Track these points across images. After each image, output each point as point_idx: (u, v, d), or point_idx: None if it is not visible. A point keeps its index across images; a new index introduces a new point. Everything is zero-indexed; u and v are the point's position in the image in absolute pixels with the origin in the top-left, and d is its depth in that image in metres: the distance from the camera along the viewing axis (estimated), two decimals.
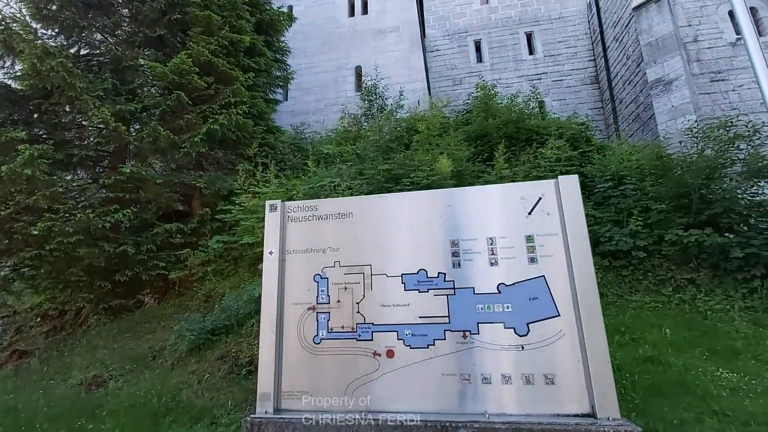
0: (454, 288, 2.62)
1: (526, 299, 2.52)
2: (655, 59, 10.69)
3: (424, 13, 15.47)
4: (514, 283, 2.55)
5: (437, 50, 16.55)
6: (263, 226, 3.15)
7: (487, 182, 6.12)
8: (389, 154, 5.59)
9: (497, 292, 2.56)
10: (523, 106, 8.36)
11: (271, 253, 2.92)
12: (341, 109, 9.84)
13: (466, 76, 15.89)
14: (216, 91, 6.11)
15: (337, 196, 4.43)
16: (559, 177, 2.64)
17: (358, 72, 11.89)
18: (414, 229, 2.80)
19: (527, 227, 2.63)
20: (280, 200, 3.06)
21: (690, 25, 10.68)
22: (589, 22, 15.80)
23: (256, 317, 4.04)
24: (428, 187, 4.78)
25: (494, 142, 7.47)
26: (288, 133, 7.58)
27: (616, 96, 13.31)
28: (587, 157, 6.72)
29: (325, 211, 2.99)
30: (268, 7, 8.10)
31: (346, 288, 2.77)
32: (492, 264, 2.60)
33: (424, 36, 13.13)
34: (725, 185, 5.22)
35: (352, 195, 4.47)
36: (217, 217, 5.18)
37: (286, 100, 10.72)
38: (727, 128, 5.39)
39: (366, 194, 4.64)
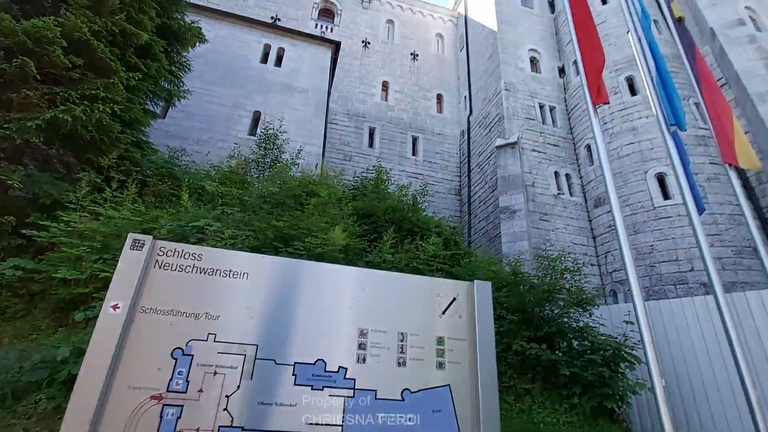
0: (354, 388, 2.21)
1: (429, 411, 2.28)
2: (505, 191, 13.14)
3: (332, 87, 16.28)
4: (419, 390, 2.30)
5: (335, 124, 17.31)
6: (101, 262, 2.28)
7: (370, 263, 6.07)
8: (282, 210, 5.12)
9: (401, 399, 2.26)
10: (409, 199, 8.99)
11: (115, 307, 2.07)
12: (229, 147, 9.01)
13: (357, 155, 16.81)
14: (83, 76, 4.82)
15: (215, 245, 3.68)
16: (475, 281, 2.65)
17: (257, 117, 11.36)
18: (321, 308, 2.37)
19: (439, 328, 2.49)
20: (150, 236, 2.29)
21: (531, 173, 13.68)
22: (461, 145, 18.94)
23: (47, 391, 2.73)
24: (320, 256, 4.42)
25: (381, 224, 7.66)
26: (161, 154, 6.38)
27: (473, 211, 15.66)
28: (456, 259, 7.37)
29: (212, 263, 2.34)
30: (178, 17, 7.28)
31: (216, 373, 2.08)
32: (400, 364, 2.33)
33: (328, 107, 13.65)
34: (556, 309, 6.25)
35: (235, 246, 3.77)
36: (24, 231, 3.64)
37: (164, 118, 9.33)
38: (561, 261, 6.65)
39: (251, 249, 3.99)
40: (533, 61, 17.20)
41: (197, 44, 8.52)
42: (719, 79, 12.77)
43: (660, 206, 11.21)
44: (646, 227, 11.19)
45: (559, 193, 13.47)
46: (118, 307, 2.07)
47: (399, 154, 17.84)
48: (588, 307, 6.27)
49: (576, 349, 5.71)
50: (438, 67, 21.58)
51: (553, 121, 15.38)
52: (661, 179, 11.59)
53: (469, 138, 17.93)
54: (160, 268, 2.26)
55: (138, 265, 2.19)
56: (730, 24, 13.23)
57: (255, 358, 2.14)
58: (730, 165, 6.41)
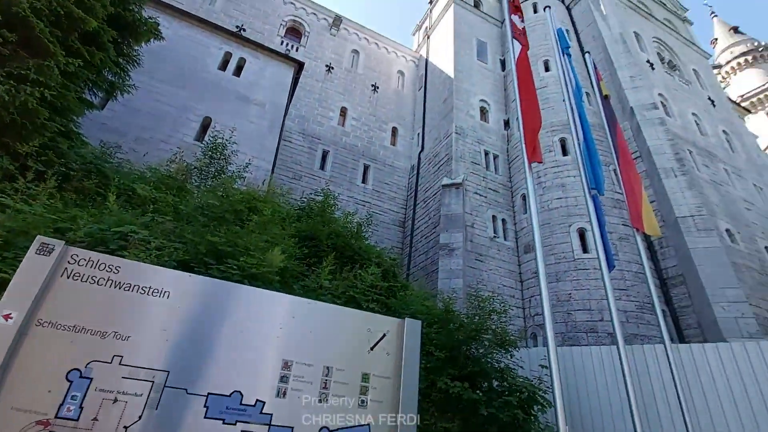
0: (270, 424, 2.12)
1: None
2: (446, 228, 13.69)
3: (290, 105, 16.18)
4: (338, 429, 2.26)
5: (289, 141, 17.13)
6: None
7: (306, 287, 5.95)
8: (220, 224, 4.89)
9: None
10: (354, 226, 9.04)
11: (7, 317, 1.84)
12: (172, 150, 8.51)
13: (307, 176, 16.68)
14: (13, 53, 4.34)
15: (137, 256, 3.40)
16: (407, 319, 2.71)
17: (206, 123, 10.92)
18: (246, 336, 2.28)
19: (366, 364, 2.49)
20: (62, 242, 2.10)
21: (471, 214, 14.43)
22: (409, 179, 19.56)
23: None
24: (254, 277, 4.25)
25: (322, 248, 7.59)
26: (91, 147, 5.84)
27: (414, 244, 16.05)
28: (393, 291, 7.45)
29: (130, 277, 2.18)
30: (135, 9, 6.93)
31: (116, 400, 1.90)
32: (321, 400, 2.28)
33: (283, 124, 13.53)
34: (481, 348, 6.51)
35: (160, 259, 3.51)
36: None
37: (102, 109, 8.65)
38: (490, 302, 6.99)
39: (179, 263, 3.74)
40: (483, 111, 18.54)
41: (152, 40, 8.15)
42: (634, 152, 14.64)
43: (579, 258, 12.33)
44: (567, 276, 12.20)
45: (494, 236, 14.30)
46: (11, 317, 1.85)
47: (349, 180, 17.99)
48: (510, 349, 6.60)
49: (496, 389, 5.94)
50: (396, 102, 22.43)
51: (496, 169, 16.52)
52: (582, 234, 12.80)
53: (418, 173, 18.61)
54: (68, 277, 2.06)
55: (42, 272, 1.98)
56: (646, 106, 15.37)
57: (164, 386, 1.99)
58: (637, 229, 7.28)
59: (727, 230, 12.30)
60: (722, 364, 6.42)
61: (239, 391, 2.12)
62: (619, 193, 13.79)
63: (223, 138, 8.61)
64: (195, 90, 11.32)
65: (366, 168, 19.00)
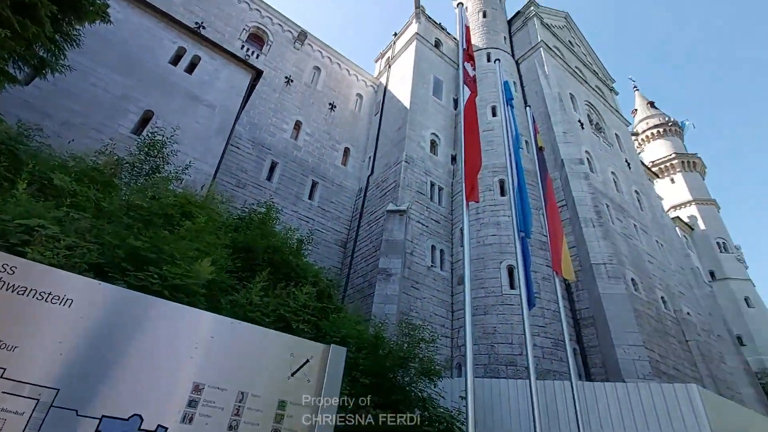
0: None
1: None
2: (387, 253, 13.88)
3: (242, 110, 15.74)
4: None
5: (237, 148, 16.57)
6: None
7: (234, 302, 5.68)
8: (148, 226, 4.55)
9: None
10: (294, 242, 8.86)
11: None
12: (103, 141, 7.85)
13: (252, 185, 16.15)
14: None
15: (42, 254, 3.06)
16: (332, 345, 2.71)
17: (147, 117, 10.25)
18: (156, 354, 2.14)
19: (285, 390, 2.44)
20: None
21: (412, 242, 14.79)
22: (356, 200, 19.70)
23: None
24: (176, 288, 3.99)
25: (258, 262, 7.35)
26: (6, 125, 5.18)
27: (353, 266, 16.02)
28: (326, 313, 7.35)
29: (28, 280, 1.98)
30: None
31: None
32: (231, 428, 2.19)
33: (233, 129, 13.09)
34: (407, 377, 6.58)
35: (70, 260, 3.18)
36: None
37: (25, 85, 7.79)
38: (420, 330, 7.14)
39: (91, 267, 3.41)
40: (433, 144, 19.41)
41: (98, 22, 7.60)
42: (562, 200, 16.09)
43: (507, 294, 13.08)
44: (494, 310, 12.85)
45: (432, 266, 14.75)
46: None
47: (295, 194, 17.69)
48: (434, 379, 6.75)
49: (417, 419, 6.01)
50: (352, 123, 22.75)
51: (439, 200, 17.22)
52: (511, 271, 13.64)
53: (365, 196, 18.81)
54: None
55: None
56: (575, 161, 17.08)
57: (51, 406, 1.80)
58: (556, 272, 7.92)
59: (632, 279, 13.81)
60: (618, 401, 7.07)
61: (139, 415, 1.97)
62: (545, 236, 14.97)
63: (163, 135, 8.13)
64: (139, 81, 10.65)
65: (314, 184, 18.85)
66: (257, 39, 21.94)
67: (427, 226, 15.69)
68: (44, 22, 5.46)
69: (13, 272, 1.96)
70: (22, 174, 4.30)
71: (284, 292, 6.56)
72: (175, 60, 12.18)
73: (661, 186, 37.86)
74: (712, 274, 31.42)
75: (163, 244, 4.26)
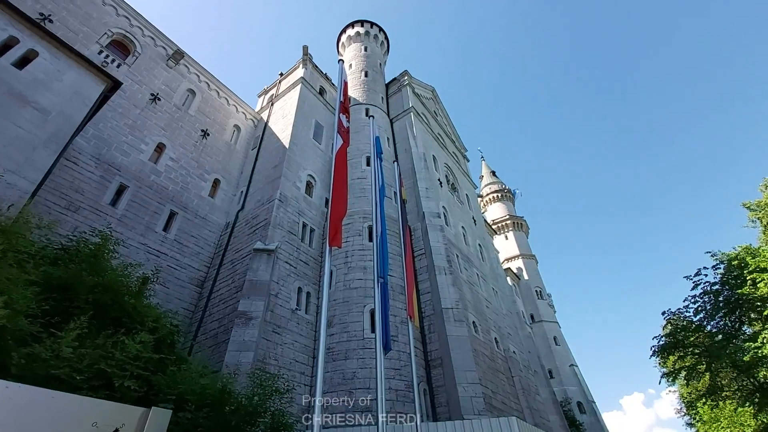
0: None
1: None
2: (249, 295, 13.05)
3: (88, 121, 13.51)
4: None
5: (74, 163, 14.01)
6: None
7: (32, 355, 4.58)
8: None
9: None
10: (134, 280, 7.69)
11: None
12: None
13: (88, 209, 13.65)
14: None
15: None
16: (153, 408, 2.43)
17: None
18: None
19: None
20: None
21: (278, 283, 14.23)
22: (221, 236, 18.27)
23: None
24: None
25: (79, 304, 6.17)
26: None
27: (209, 308, 14.51)
28: (164, 365, 6.45)
29: None
30: None
31: None
32: None
33: (71, 142, 11.05)
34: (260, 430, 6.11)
35: None
36: None
37: None
38: (274, 380, 6.80)
39: None
40: (309, 185, 19.63)
41: None
42: (420, 249, 17.82)
43: (368, 337, 13.49)
44: (355, 354, 13.04)
45: (297, 309, 14.36)
46: None
47: (146, 224, 15.51)
48: None
49: None
50: (226, 154, 21.54)
51: (310, 242, 17.21)
52: (372, 314, 14.19)
53: (232, 232, 17.62)
54: None
55: None
56: (433, 214, 19.28)
57: None
58: (410, 317, 8.60)
59: (474, 322, 15.80)
60: None
61: None
62: (404, 280, 16.18)
63: None
64: None
65: (172, 215, 16.88)
66: (122, 47, 19.56)
67: (295, 267, 15.39)
68: None
69: None
70: None
71: (110, 341, 5.59)
72: (1, 50, 9.98)
73: (498, 241, 45.19)
74: (532, 317, 38.00)
75: None
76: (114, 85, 12.80)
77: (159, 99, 19.31)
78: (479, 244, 24.07)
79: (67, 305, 6.24)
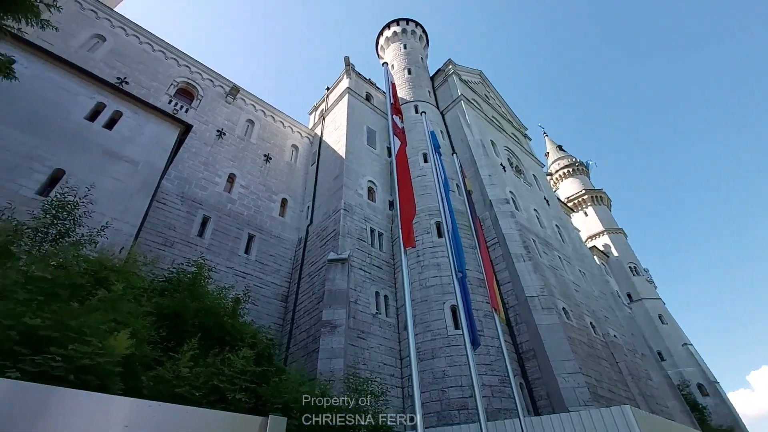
0: None
1: None
2: (330, 304, 13.48)
3: (170, 165, 15.04)
4: None
5: (164, 203, 15.61)
6: None
7: (158, 378, 5.08)
8: (51, 300, 3.98)
9: None
10: (229, 302, 8.30)
11: None
12: (3, 205, 6.95)
13: (182, 242, 15.12)
14: None
15: None
16: (270, 417, 2.51)
17: (57, 176, 9.34)
18: None
19: None
20: None
21: (356, 290, 14.57)
22: (296, 252, 19.20)
23: None
24: (85, 370, 3.48)
25: (186, 328, 6.75)
26: None
27: (296, 321, 15.27)
28: (266, 377, 6.84)
29: None
30: None
31: None
32: None
33: (159, 185, 12.37)
34: None
35: None
36: None
37: None
38: (368, 384, 6.87)
39: None
40: (370, 191, 19.90)
41: (1, 78, 7.02)
42: (493, 238, 17.11)
43: (452, 335, 13.21)
44: (441, 353, 12.84)
45: (377, 313, 14.54)
46: None
47: (230, 249, 16.82)
48: None
49: None
50: (288, 174, 22.69)
51: (380, 246, 17.39)
52: (454, 311, 13.89)
53: (305, 247, 18.43)
54: None
55: None
56: (501, 201, 18.45)
57: None
58: (495, 310, 8.22)
59: (564, 308, 14.75)
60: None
61: None
62: (482, 273, 15.63)
63: (76, 195, 7.44)
64: (48, 138, 9.81)
65: (251, 238, 18.12)
66: (186, 94, 21.57)
67: (369, 273, 15.63)
68: None
69: None
70: None
71: (218, 359, 6.05)
72: (93, 116, 11.48)
73: (576, 219, 42.04)
74: (629, 296, 34.67)
75: (69, 319, 3.76)
76: (186, 129, 14.10)
77: (224, 134, 20.93)
78: (556, 225, 22.56)
79: (178, 330, 6.86)
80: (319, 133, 25.52)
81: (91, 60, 17.37)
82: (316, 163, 23.03)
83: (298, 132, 25.78)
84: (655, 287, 36.92)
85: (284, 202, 21.22)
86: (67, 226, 6.91)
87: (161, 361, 5.51)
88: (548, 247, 18.86)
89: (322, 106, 28.33)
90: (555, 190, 44.36)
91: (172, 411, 2.27)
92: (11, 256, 5.38)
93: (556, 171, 49.38)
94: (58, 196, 7.43)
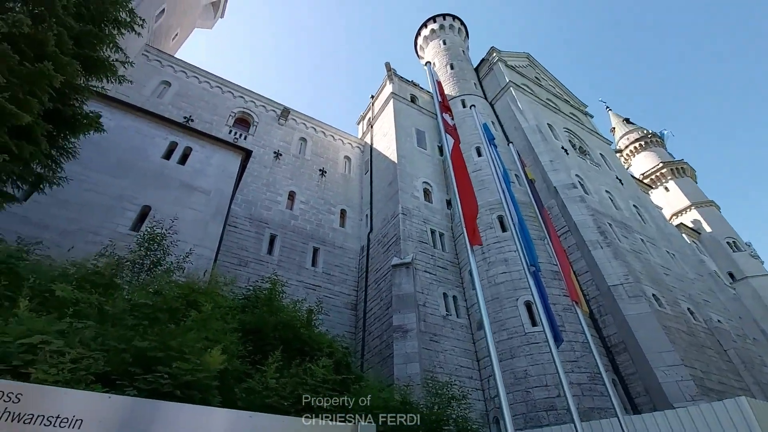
0: None
1: None
2: (399, 309, 13.49)
3: (236, 191, 16.14)
4: None
5: (235, 227, 16.75)
6: None
7: (250, 390, 5.39)
8: (153, 324, 4.42)
9: None
10: (303, 314, 8.63)
11: None
12: (102, 243, 7.91)
13: (253, 261, 16.09)
14: None
15: (46, 372, 2.93)
16: (360, 425, 2.52)
17: (145, 212, 10.46)
18: None
19: None
20: None
21: (423, 293, 14.46)
22: (360, 260, 19.55)
23: None
24: (188, 385, 3.79)
25: (268, 341, 7.11)
26: (5, 245, 5.24)
27: (367, 328, 15.49)
28: (346, 385, 6.96)
29: (33, 405, 1.86)
30: (76, 104, 6.89)
31: None
32: None
33: (229, 210, 13.34)
34: None
35: (75, 374, 3.04)
36: None
37: (23, 202, 8.02)
38: (448, 388, 6.73)
39: (98, 377, 3.25)
40: (426, 192, 19.74)
41: (92, 132, 8.03)
42: (563, 227, 16.06)
43: (530, 332, 12.55)
44: (521, 352, 12.24)
45: (447, 314, 14.29)
46: None
47: (298, 263, 17.59)
48: None
49: None
50: (344, 185, 23.28)
51: (442, 246, 17.12)
52: (529, 307, 13.20)
53: (368, 254, 18.71)
54: None
55: None
56: (567, 186, 17.30)
57: None
58: (576, 303, 7.66)
59: (654, 295, 13.38)
60: (671, 431, 6.51)
61: None
62: (555, 265, 14.72)
63: (162, 227, 8.24)
64: (134, 179, 11.02)
65: (316, 251, 18.82)
66: (243, 122, 23.12)
67: (435, 274, 15.45)
68: (40, 142, 5.75)
69: (19, 400, 1.86)
70: (23, 290, 4.26)
71: (300, 369, 6.27)
72: (168, 154, 12.70)
73: (656, 196, 38.12)
74: (731, 275, 30.61)
75: (170, 339, 4.12)
76: (247, 154, 15.07)
77: (280, 154, 22.07)
78: (634, 206, 20.66)
79: (262, 344, 7.25)
80: (369, 142, 25.93)
81: (161, 105, 19.29)
82: (369, 171, 23.39)
83: (349, 143, 26.40)
84: (762, 262, 32.22)
85: (343, 212, 21.77)
86: (158, 255, 7.67)
87: (250, 374, 5.84)
88: (627, 230, 17.30)
89: (369, 115, 28.78)
90: (627, 168, 40.68)
91: (268, 421, 2.36)
92: (116, 287, 6.08)
93: (626, 146, 45.20)
94: (148, 229, 8.28)
